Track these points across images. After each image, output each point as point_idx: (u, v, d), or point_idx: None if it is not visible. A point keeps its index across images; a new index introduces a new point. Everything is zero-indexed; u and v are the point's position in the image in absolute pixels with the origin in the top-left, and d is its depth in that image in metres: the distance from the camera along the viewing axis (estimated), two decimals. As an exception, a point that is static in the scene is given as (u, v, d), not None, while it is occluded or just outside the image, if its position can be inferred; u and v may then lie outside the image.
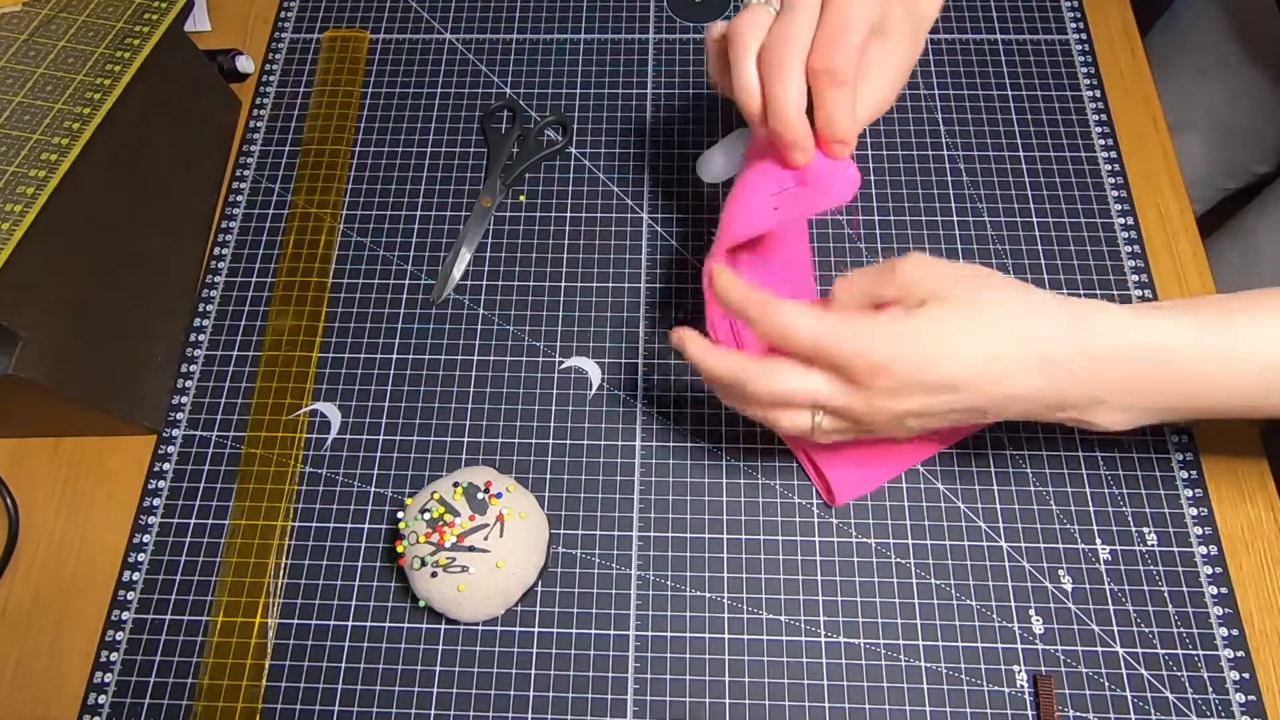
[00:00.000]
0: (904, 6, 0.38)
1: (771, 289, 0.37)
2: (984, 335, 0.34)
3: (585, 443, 0.50)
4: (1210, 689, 0.43)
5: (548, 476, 0.49)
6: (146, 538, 0.48)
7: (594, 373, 0.52)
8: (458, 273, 0.55)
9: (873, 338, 0.33)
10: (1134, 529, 0.47)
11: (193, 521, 0.49)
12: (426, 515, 0.42)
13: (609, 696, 0.44)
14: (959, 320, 0.34)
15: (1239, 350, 0.34)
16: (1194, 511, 0.47)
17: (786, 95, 0.36)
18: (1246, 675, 0.43)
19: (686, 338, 0.38)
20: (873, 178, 0.58)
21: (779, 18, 0.37)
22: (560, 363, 0.52)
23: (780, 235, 0.50)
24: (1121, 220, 0.55)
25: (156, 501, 0.49)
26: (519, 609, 0.46)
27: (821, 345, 0.34)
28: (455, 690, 0.45)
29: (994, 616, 0.45)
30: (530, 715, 0.44)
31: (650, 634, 0.46)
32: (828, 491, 0.47)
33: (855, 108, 0.37)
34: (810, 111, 0.37)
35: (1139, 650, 0.44)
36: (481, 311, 0.54)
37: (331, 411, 0.52)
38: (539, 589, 0.46)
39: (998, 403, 0.35)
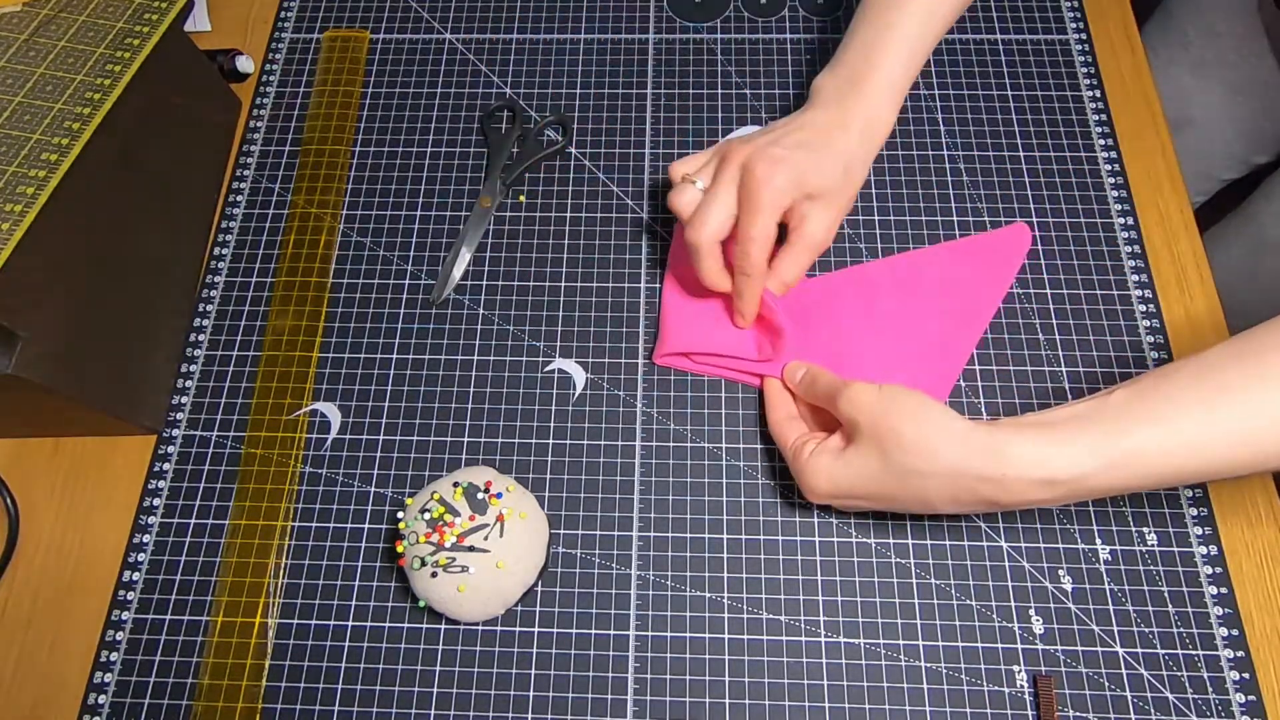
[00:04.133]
0: (833, 160, 0.46)
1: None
2: (909, 480, 0.39)
3: (585, 443, 0.50)
4: (1210, 689, 0.43)
5: (548, 476, 0.49)
6: (146, 538, 0.48)
7: (578, 375, 0.52)
8: (458, 273, 0.55)
9: (802, 478, 0.43)
10: (1134, 529, 0.47)
11: (193, 521, 0.49)
12: (426, 515, 0.42)
13: (609, 696, 0.44)
14: (882, 470, 0.40)
15: (1137, 468, 0.36)
16: (1194, 511, 0.47)
17: (708, 273, 0.48)
18: (1246, 675, 0.43)
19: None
20: (873, 177, 0.58)
21: (700, 205, 0.47)
22: (545, 363, 0.52)
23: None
24: (1121, 220, 0.55)
25: (156, 501, 0.49)
26: (519, 609, 0.46)
27: (789, 463, 0.45)
28: (455, 690, 0.45)
29: (994, 616, 0.45)
30: (530, 715, 0.44)
31: (650, 634, 0.46)
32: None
33: (758, 290, 0.48)
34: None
35: (1139, 650, 0.44)
36: (481, 311, 0.54)
37: (331, 411, 0.51)
38: (539, 589, 0.46)
39: (941, 511, 0.41)
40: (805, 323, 0.50)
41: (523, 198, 0.58)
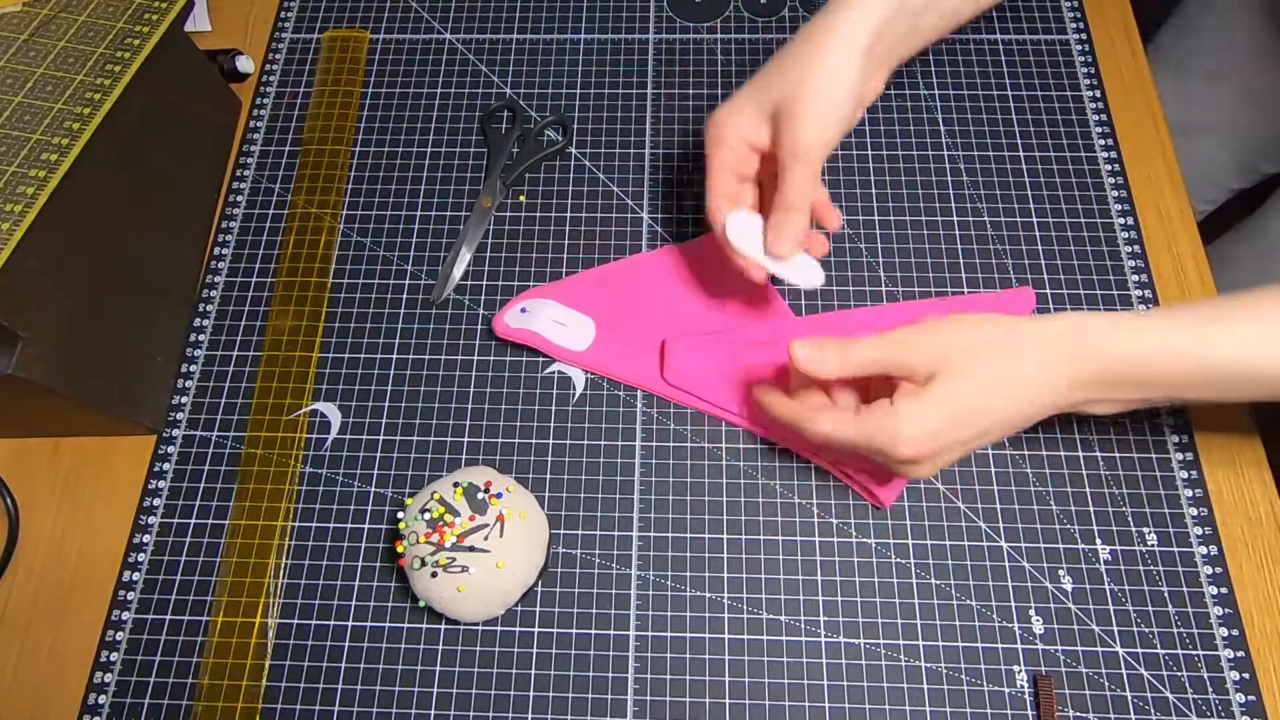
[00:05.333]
0: (780, 72, 0.44)
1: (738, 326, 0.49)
2: (991, 391, 0.38)
3: (585, 443, 0.50)
4: (1210, 689, 0.43)
5: (548, 476, 0.49)
6: (146, 538, 0.48)
7: (578, 376, 0.52)
8: (458, 273, 0.55)
9: (896, 432, 0.38)
10: (1134, 529, 0.47)
11: (193, 521, 0.49)
12: (426, 515, 0.42)
13: (609, 696, 0.44)
14: (969, 389, 0.38)
15: (1211, 359, 0.37)
16: (1194, 511, 0.47)
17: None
18: (1246, 675, 0.43)
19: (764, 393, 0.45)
20: (873, 178, 0.58)
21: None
22: (545, 363, 0.52)
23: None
24: (1121, 220, 0.55)
25: (156, 501, 0.49)
26: (519, 609, 0.46)
27: (860, 444, 0.39)
28: (455, 690, 0.45)
29: (994, 616, 0.45)
30: (530, 715, 0.44)
31: (650, 634, 0.46)
32: (872, 495, 0.47)
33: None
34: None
35: (1139, 650, 0.44)
36: (481, 311, 0.54)
37: (331, 411, 0.51)
38: (539, 589, 0.46)
39: (1019, 426, 0.40)
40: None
41: (523, 198, 0.58)
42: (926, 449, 0.38)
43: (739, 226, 0.47)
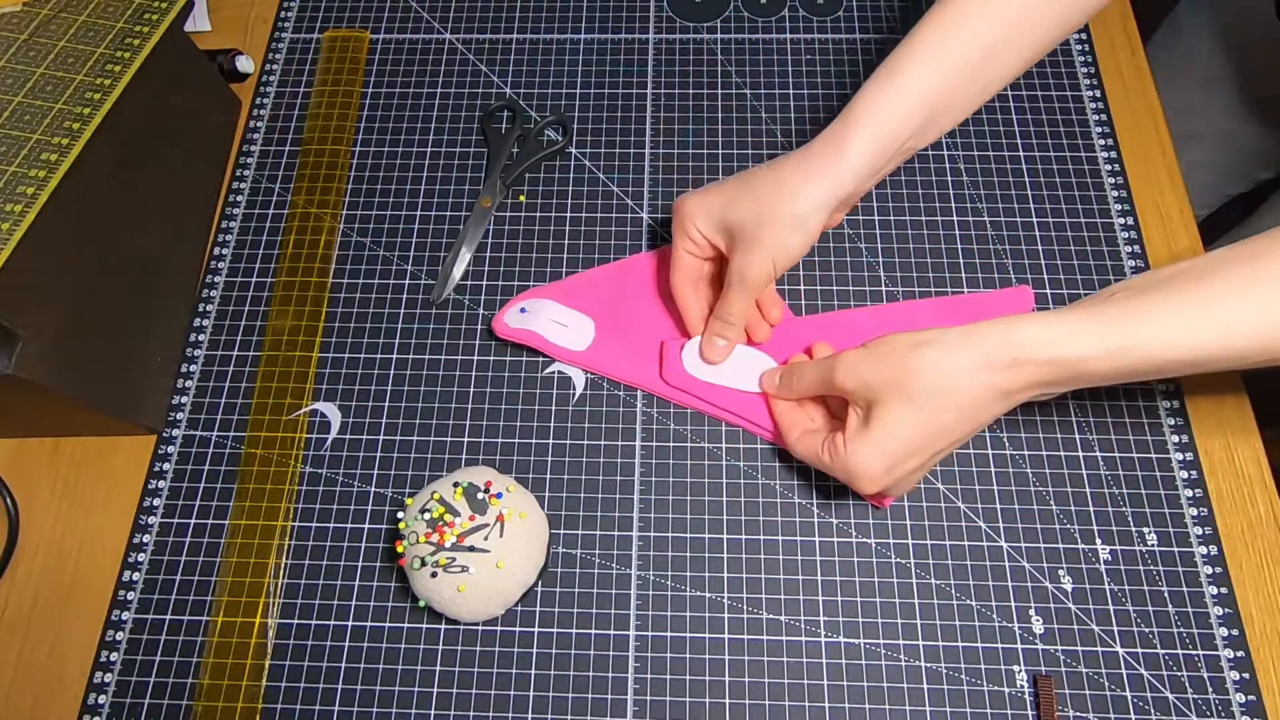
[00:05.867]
0: (752, 201, 0.45)
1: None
2: (933, 417, 0.39)
3: (585, 443, 0.50)
4: (1210, 689, 0.43)
5: (548, 476, 0.49)
6: (146, 538, 0.48)
7: (578, 376, 0.52)
8: (458, 273, 0.55)
9: (852, 473, 0.41)
10: (1134, 529, 0.47)
11: (193, 521, 0.49)
12: (426, 515, 0.42)
13: (609, 696, 0.44)
14: (909, 417, 0.40)
15: (1135, 356, 0.37)
16: (1194, 511, 0.47)
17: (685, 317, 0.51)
18: (1246, 675, 0.43)
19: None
20: (873, 178, 0.58)
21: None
22: (545, 363, 0.52)
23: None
24: (1121, 220, 0.55)
25: (156, 501, 0.49)
26: (519, 609, 0.46)
27: (829, 472, 0.43)
28: (455, 690, 0.45)
29: (994, 616, 0.45)
30: (530, 715, 0.44)
31: (650, 634, 0.46)
32: (873, 496, 0.47)
33: (698, 324, 0.50)
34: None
35: (1139, 650, 0.44)
36: (481, 311, 0.54)
37: (331, 411, 0.52)
38: (539, 589, 0.46)
39: (972, 434, 0.41)
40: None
41: (523, 198, 0.58)
42: (886, 480, 0.41)
43: (691, 355, 0.50)
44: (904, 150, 0.45)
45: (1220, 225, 0.76)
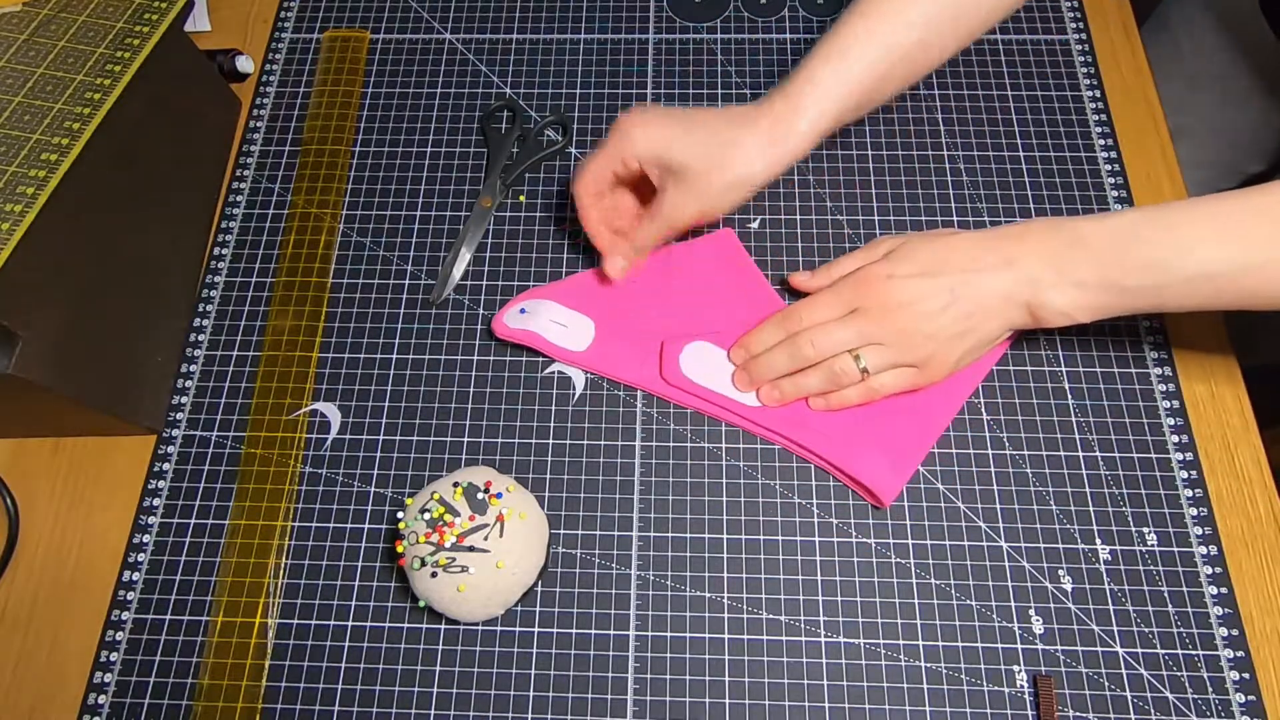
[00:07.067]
0: (701, 142, 0.46)
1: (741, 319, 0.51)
2: (953, 240, 0.46)
3: (585, 443, 0.50)
4: (1210, 689, 0.43)
5: (548, 476, 0.49)
6: (146, 538, 0.48)
7: (578, 376, 0.52)
8: (458, 273, 0.55)
9: (869, 268, 0.46)
10: (1134, 529, 0.47)
11: (193, 521, 0.49)
12: (426, 515, 0.42)
13: (609, 696, 0.44)
14: (929, 238, 0.46)
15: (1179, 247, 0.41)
16: (1194, 511, 0.47)
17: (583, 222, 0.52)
18: (1246, 675, 0.43)
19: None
20: (873, 177, 0.58)
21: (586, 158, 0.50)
22: (545, 364, 0.52)
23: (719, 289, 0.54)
24: (1121, 220, 0.55)
25: (156, 501, 0.49)
26: (519, 609, 0.46)
27: (842, 288, 0.47)
28: (455, 690, 0.45)
29: (994, 616, 0.45)
30: (530, 715, 0.44)
31: (650, 634, 0.46)
32: (872, 495, 0.47)
33: (601, 237, 0.51)
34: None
35: (1139, 650, 0.44)
36: (481, 311, 0.54)
37: (331, 411, 0.52)
38: (539, 589, 0.46)
39: (970, 280, 0.44)
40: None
41: (523, 198, 0.58)
42: (901, 250, 0.46)
43: (691, 355, 0.50)
44: (843, 123, 0.48)
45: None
